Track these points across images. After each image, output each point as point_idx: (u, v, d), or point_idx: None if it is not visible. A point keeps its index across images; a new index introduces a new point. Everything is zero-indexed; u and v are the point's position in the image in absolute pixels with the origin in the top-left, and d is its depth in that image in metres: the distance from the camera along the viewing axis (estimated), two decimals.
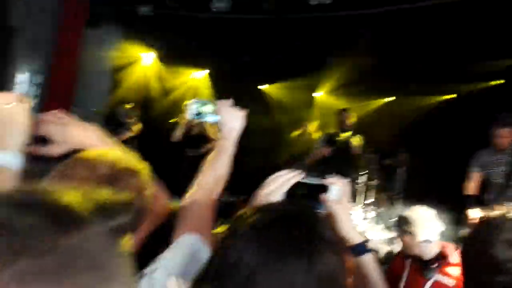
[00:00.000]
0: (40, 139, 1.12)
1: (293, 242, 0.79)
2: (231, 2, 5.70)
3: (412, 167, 6.57)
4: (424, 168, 6.33)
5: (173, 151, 5.58)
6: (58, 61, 6.15)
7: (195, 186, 1.35)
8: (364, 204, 6.01)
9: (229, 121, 1.44)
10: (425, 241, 2.49)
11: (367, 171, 6.09)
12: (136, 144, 5.71)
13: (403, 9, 5.40)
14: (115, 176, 1.03)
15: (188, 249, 1.16)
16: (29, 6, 6.30)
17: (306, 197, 1.11)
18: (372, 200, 5.89)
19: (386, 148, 6.75)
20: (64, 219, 0.43)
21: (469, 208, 3.93)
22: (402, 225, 2.61)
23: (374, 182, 6.26)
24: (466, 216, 4.02)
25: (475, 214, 3.85)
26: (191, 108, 1.49)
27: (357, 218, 5.65)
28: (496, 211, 1.29)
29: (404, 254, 2.70)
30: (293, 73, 7.37)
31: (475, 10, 5.03)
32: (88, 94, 6.62)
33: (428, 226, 2.53)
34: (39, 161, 1.11)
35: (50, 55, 6.11)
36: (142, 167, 1.12)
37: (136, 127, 5.61)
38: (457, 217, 4.42)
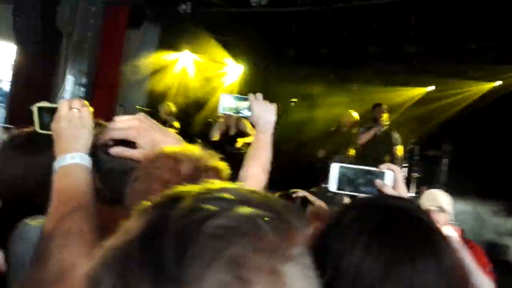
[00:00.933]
0: (124, 142, 1.14)
1: (416, 241, 0.75)
2: None
3: (457, 158, 6.36)
4: (469, 159, 6.11)
5: (213, 150, 5.68)
6: (103, 61, 6.40)
7: (244, 176, 1.40)
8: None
9: (263, 115, 1.49)
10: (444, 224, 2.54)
11: (408, 163, 5.98)
12: None
13: None
14: (199, 174, 1.03)
15: None
16: (75, 10, 6.59)
17: (362, 184, 1.05)
18: (413, 193, 5.76)
19: (429, 138, 6.58)
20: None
21: None
22: (437, 205, 2.69)
23: (417, 174, 6.13)
24: None
25: None
26: (223, 103, 1.54)
27: None
28: None
29: None
30: (336, 65, 7.26)
31: None
32: (132, 92, 6.85)
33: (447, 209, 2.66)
34: (123, 162, 1.13)
35: (95, 56, 6.36)
36: (223, 165, 1.12)
37: (176, 124, 5.80)
38: (507, 209, 4.28)
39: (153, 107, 6.39)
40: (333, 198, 5.46)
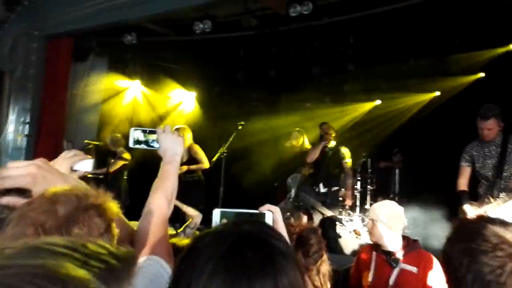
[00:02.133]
0: (18, 190, 1.10)
1: (256, 263, 0.77)
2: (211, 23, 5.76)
3: (407, 167, 6.58)
4: (419, 167, 6.33)
5: None
6: (47, 97, 6.26)
7: (147, 208, 1.38)
8: (362, 209, 6.02)
9: (170, 147, 1.53)
10: (388, 232, 2.75)
11: (361, 176, 6.12)
12: (126, 173, 5.81)
13: (381, 12, 5.50)
14: (78, 214, 0.99)
15: (148, 272, 1.17)
16: (16, 48, 6.44)
17: None
18: (369, 205, 5.88)
19: (380, 151, 6.78)
20: None
21: (462, 204, 3.91)
22: (371, 217, 2.87)
23: (370, 187, 6.27)
24: (461, 212, 4.01)
25: (468, 209, 3.84)
26: (133, 136, 1.55)
27: (356, 224, 5.65)
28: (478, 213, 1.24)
29: (371, 246, 2.92)
30: (284, 87, 7.45)
31: (449, 6, 5.12)
32: (79, 126, 6.70)
33: (396, 220, 2.78)
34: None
35: (38, 93, 6.20)
36: (110, 203, 1.08)
37: (126, 156, 5.70)
38: (452, 214, 4.41)
39: (101, 140, 6.26)
40: (293, 215, 5.51)
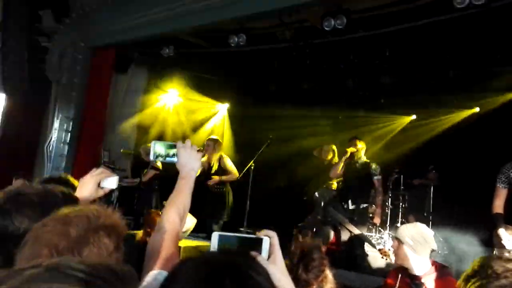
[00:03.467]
0: None
1: None
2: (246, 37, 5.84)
3: (442, 185, 6.34)
4: (455, 185, 6.10)
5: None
6: (89, 106, 6.55)
7: (159, 223, 1.44)
8: (393, 227, 5.86)
9: (188, 162, 1.58)
10: (414, 255, 2.70)
11: (392, 193, 5.97)
12: (158, 182, 5.97)
13: (417, 25, 5.38)
14: (88, 235, 1.05)
15: (156, 286, 1.22)
16: (63, 58, 6.82)
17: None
18: (400, 223, 5.72)
19: (414, 167, 6.59)
20: None
21: (497, 228, 3.74)
22: (396, 239, 2.83)
23: (402, 204, 6.10)
24: (496, 236, 3.83)
25: (503, 234, 3.66)
26: (154, 150, 1.62)
27: (386, 243, 5.51)
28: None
29: (398, 270, 2.87)
30: (318, 100, 7.43)
31: (490, 21, 4.94)
32: (117, 136, 6.96)
33: (422, 243, 2.72)
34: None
35: (81, 102, 6.51)
36: (119, 222, 1.14)
37: (158, 165, 5.86)
38: (486, 238, 4.23)
39: (137, 149, 6.49)
40: (320, 231, 5.45)
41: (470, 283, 1.22)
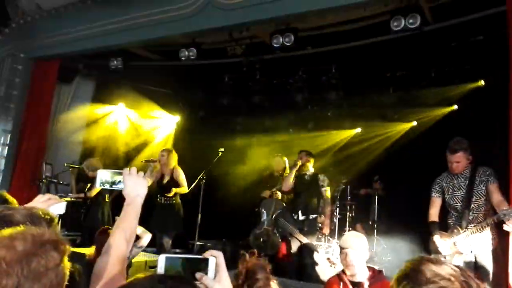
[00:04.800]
0: None
1: None
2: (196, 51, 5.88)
3: (387, 195, 6.70)
4: (398, 195, 6.46)
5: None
6: (29, 119, 6.25)
7: (106, 247, 1.48)
8: (341, 236, 6.07)
9: (134, 189, 1.63)
10: (360, 263, 2.88)
11: (340, 203, 6.21)
12: (108, 196, 5.80)
13: (362, 44, 5.71)
14: (36, 248, 1.07)
15: None
16: (1, 69, 6.47)
17: (188, 273, 1.15)
18: (347, 231, 5.95)
19: (360, 178, 6.91)
20: None
21: (433, 235, 4.02)
22: (344, 248, 2.99)
23: (349, 214, 6.37)
24: (432, 243, 4.12)
25: (437, 240, 3.95)
26: (100, 178, 1.64)
27: (335, 252, 5.70)
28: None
29: (339, 275, 3.02)
30: (268, 113, 7.61)
31: (427, 42, 5.36)
32: (61, 149, 6.69)
33: (365, 251, 2.94)
34: None
35: (20, 114, 6.21)
36: (62, 239, 1.17)
37: None
38: (426, 244, 4.52)
39: (82, 163, 6.26)
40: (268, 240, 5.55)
41: (401, 285, 1.30)
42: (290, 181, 5.43)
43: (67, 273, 1.15)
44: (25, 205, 1.63)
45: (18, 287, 0.96)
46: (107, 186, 1.69)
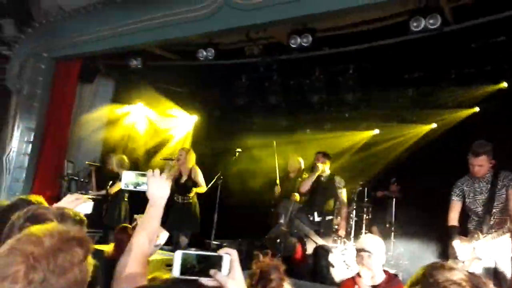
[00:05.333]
0: None
1: None
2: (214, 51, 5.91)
3: (404, 197, 6.61)
4: (416, 197, 6.37)
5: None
6: (52, 117, 6.39)
7: (129, 245, 1.54)
8: (357, 238, 6.01)
9: (157, 191, 1.69)
10: (378, 266, 2.87)
11: (357, 205, 6.15)
12: (127, 195, 5.88)
13: (380, 45, 5.65)
14: (62, 245, 1.12)
15: None
16: (24, 68, 6.64)
17: (202, 269, 1.17)
18: (363, 234, 5.89)
19: (377, 180, 6.83)
20: None
21: (452, 239, 3.95)
22: (363, 250, 2.96)
23: (366, 216, 6.30)
24: (451, 248, 4.04)
25: (457, 245, 3.87)
26: (125, 179, 1.68)
27: (350, 254, 5.66)
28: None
29: (354, 278, 3.00)
30: (285, 114, 7.61)
31: (447, 42, 5.27)
32: (82, 147, 6.82)
33: (382, 254, 2.92)
34: None
35: (44, 113, 6.35)
36: (87, 238, 1.21)
37: None
38: (445, 247, 4.44)
39: (103, 161, 6.37)
40: (285, 242, 5.55)
41: None
42: (309, 184, 5.39)
43: (90, 269, 1.19)
44: (56, 205, 1.70)
45: (45, 281, 1.00)
46: (131, 187, 1.75)
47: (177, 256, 1.17)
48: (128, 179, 1.74)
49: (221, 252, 1.20)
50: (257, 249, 5.32)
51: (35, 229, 1.17)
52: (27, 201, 1.98)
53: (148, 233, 1.59)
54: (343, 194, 5.36)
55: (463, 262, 3.79)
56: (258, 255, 2.07)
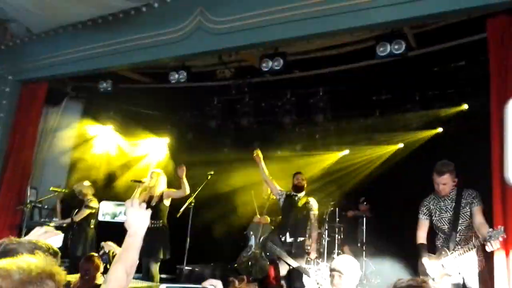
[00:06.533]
0: None
1: None
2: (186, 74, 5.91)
3: (374, 216, 6.74)
4: (385, 216, 6.50)
5: None
6: (15, 142, 6.16)
7: (108, 278, 1.51)
8: (330, 258, 6.06)
9: (135, 221, 1.66)
10: (343, 286, 2.94)
11: (328, 225, 6.22)
12: (95, 220, 5.68)
13: (348, 68, 5.85)
14: (30, 280, 1.10)
15: None
16: None
17: None
18: (336, 254, 5.94)
19: (347, 200, 6.95)
20: None
21: (421, 257, 4.03)
22: (335, 271, 3.02)
23: (338, 236, 6.37)
24: (420, 265, 4.13)
25: (426, 262, 3.96)
26: (103, 209, 1.66)
27: (323, 275, 5.67)
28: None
29: None
30: (256, 136, 7.66)
31: (411, 67, 5.52)
32: (47, 172, 6.59)
33: (355, 273, 3.00)
34: None
35: (6, 137, 6.13)
36: (58, 270, 1.20)
37: (94, 204, 5.56)
38: (415, 265, 4.53)
39: (69, 187, 6.16)
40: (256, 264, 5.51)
41: None
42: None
43: None
44: (27, 237, 1.66)
45: None
46: (109, 218, 1.71)
47: None
48: (106, 210, 1.72)
49: (206, 284, 1.19)
50: (232, 273, 5.26)
51: (5, 263, 1.15)
52: None
53: (126, 266, 1.55)
54: (314, 216, 5.40)
55: (433, 279, 3.87)
56: (233, 281, 2.04)
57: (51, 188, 5.91)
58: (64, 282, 1.19)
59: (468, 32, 4.69)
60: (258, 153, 5.61)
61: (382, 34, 4.47)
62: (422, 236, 4.16)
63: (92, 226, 5.63)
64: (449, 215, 4.04)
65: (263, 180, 5.71)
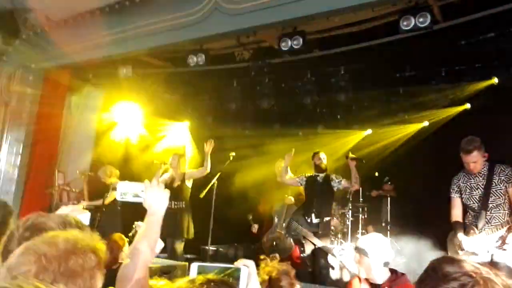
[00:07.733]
0: None
1: None
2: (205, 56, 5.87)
3: (398, 196, 6.64)
4: (410, 196, 6.40)
5: None
6: (41, 128, 6.32)
7: (132, 251, 1.54)
8: (354, 238, 6.02)
9: (154, 201, 1.68)
10: (377, 265, 2.81)
11: (352, 205, 6.15)
12: (118, 203, 5.80)
13: (369, 46, 5.67)
14: (74, 251, 1.12)
15: None
16: (12, 80, 6.56)
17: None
18: (360, 234, 5.90)
19: (371, 180, 6.84)
20: None
21: (456, 233, 3.93)
22: (359, 250, 2.91)
23: (362, 216, 6.31)
24: (450, 241, 4.06)
25: (463, 239, 3.86)
26: (121, 189, 1.64)
27: (348, 254, 5.65)
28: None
29: (359, 278, 2.96)
30: (277, 117, 7.61)
31: (436, 41, 5.32)
32: (72, 157, 6.74)
33: (382, 253, 2.84)
34: None
35: (32, 124, 6.28)
36: (101, 246, 1.23)
37: None
38: (442, 244, 4.46)
39: (95, 171, 6.29)
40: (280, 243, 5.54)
41: (422, 286, 1.27)
42: (284, 175, 5.48)
43: (102, 279, 1.18)
44: (57, 213, 1.68)
45: (54, 283, 1.01)
46: (128, 198, 1.69)
47: (193, 269, 1.15)
48: (124, 190, 1.69)
49: (238, 263, 1.17)
50: (254, 253, 5.30)
51: (54, 233, 1.19)
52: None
53: (150, 241, 1.59)
54: (346, 181, 5.40)
55: (466, 254, 3.78)
56: (265, 259, 2.04)
57: (77, 172, 6.06)
58: (105, 258, 1.21)
59: (496, 2, 4.46)
60: (291, 154, 5.52)
61: (406, 7, 4.30)
62: (456, 214, 4.05)
63: (119, 207, 5.78)
64: (480, 193, 3.91)
65: (281, 181, 5.65)
